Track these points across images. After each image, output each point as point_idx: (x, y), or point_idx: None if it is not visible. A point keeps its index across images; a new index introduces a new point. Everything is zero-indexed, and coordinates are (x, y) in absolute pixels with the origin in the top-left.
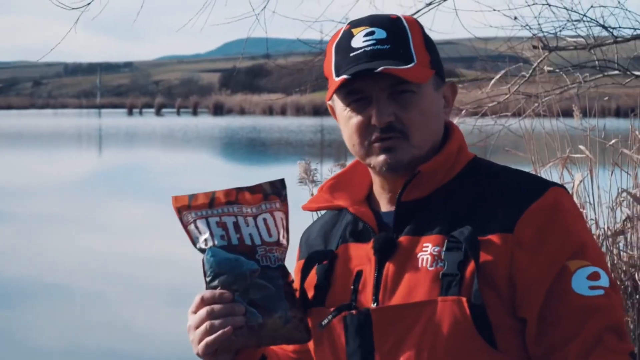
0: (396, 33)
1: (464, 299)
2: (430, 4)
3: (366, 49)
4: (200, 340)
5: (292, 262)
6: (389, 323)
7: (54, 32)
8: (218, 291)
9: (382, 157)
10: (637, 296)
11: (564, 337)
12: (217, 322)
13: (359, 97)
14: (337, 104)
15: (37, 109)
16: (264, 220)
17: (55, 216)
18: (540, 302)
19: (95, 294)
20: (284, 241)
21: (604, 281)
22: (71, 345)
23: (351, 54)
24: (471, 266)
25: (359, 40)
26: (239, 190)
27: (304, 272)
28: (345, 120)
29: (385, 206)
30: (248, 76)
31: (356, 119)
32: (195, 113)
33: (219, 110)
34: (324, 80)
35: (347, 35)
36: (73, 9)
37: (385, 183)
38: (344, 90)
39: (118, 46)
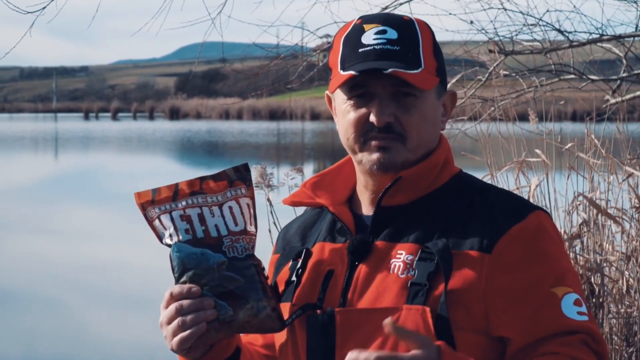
0: (407, 35)
1: (427, 309)
2: (386, 8)
3: (376, 47)
4: (173, 336)
5: (266, 253)
6: (353, 326)
7: (8, 36)
8: (186, 286)
9: (375, 156)
10: (594, 300)
11: (553, 344)
12: (188, 318)
13: (362, 92)
14: (337, 96)
15: None
16: (230, 208)
17: (11, 221)
18: (527, 322)
19: (50, 300)
20: (251, 228)
21: (585, 308)
22: (25, 351)
23: (360, 50)
24: (441, 278)
25: (370, 37)
26: (203, 179)
27: (278, 267)
28: (344, 113)
29: (366, 208)
30: (204, 80)
31: (355, 113)
32: (151, 117)
33: (175, 114)
34: (279, 84)
35: (358, 30)
36: (28, 12)
37: (369, 183)
38: (347, 84)
39: (74, 50)
